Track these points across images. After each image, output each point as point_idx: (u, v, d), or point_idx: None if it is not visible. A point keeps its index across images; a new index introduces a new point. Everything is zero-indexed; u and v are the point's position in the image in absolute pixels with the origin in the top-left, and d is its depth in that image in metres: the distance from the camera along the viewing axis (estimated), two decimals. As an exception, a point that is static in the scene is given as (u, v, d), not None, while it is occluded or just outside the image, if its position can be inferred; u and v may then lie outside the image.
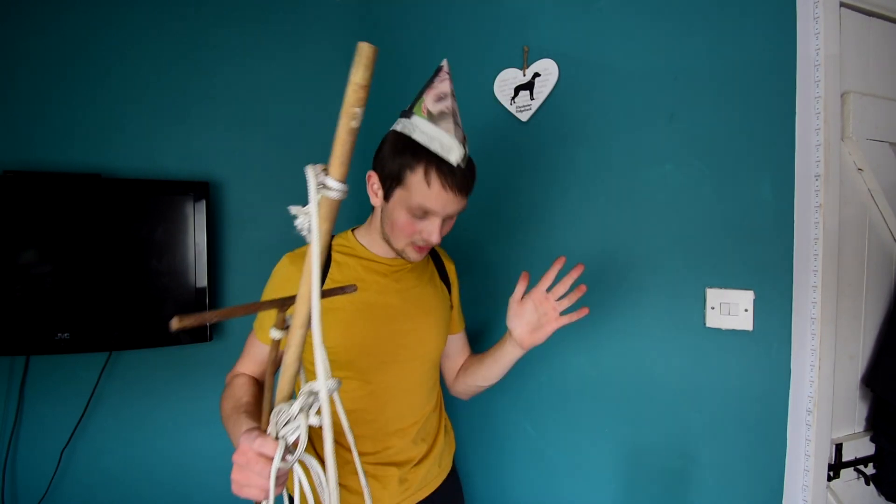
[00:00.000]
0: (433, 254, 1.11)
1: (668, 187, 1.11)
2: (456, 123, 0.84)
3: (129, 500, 1.42)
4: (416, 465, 1.00)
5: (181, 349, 1.44)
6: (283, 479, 0.59)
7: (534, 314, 0.93)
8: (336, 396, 0.58)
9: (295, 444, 0.56)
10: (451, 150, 0.82)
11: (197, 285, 1.38)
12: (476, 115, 1.37)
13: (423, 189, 0.84)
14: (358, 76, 0.46)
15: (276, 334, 0.55)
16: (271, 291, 0.92)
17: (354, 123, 0.48)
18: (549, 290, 0.93)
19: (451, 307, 1.10)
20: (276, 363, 0.59)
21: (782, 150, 0.98)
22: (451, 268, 1.12)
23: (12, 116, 1.31)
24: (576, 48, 1.23)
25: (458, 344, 1.15)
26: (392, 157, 0.86)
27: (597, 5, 1.20)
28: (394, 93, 1.59)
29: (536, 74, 1.28)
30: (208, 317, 0.50)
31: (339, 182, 0.49)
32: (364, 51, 0.45)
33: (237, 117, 1.52)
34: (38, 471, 1.33)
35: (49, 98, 1.34)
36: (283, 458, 0.54)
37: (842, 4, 1.00)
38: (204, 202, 1.39)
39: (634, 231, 1.15)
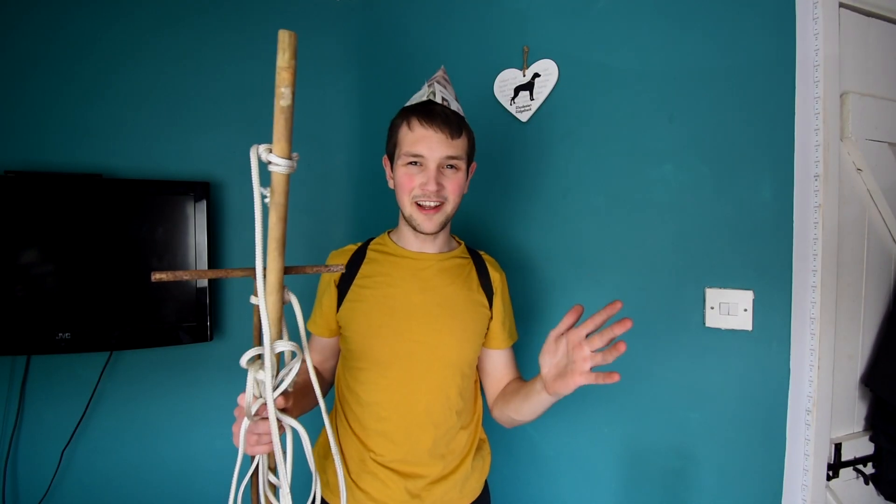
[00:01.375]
0: (477, 261, 1.05)
1: (667, 187, 1.11)
2: (438, 81, 0.96)
3: (129, 501, 1.43)
4: (432, 483, 0.96)
5: (182, 349, 1.44)
6: (265, 437, 0.66)
7: (564, 357, 0.77)
8: (308, 361, 0.67)
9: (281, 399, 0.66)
10: (433, 93, 0.93)
11: (197, 285, 1.39)
12: (476, 115, 1.37)
13: (408, 135, 0.92)
14: (280, 60, 0.52)
15: (253, 300, 0.63)
16: (321, 282, 1.04)
17: (283, 102, 0.54)
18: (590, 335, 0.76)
19: (490, 318, 1.02)
20: (258, 327, 0.66)
21: (781, 150, 0.99)
22: (496, 277, 1.04)
23: (14, 117, 1.31)
24: (576, 48, 1.23)
25: (499, 361, 1.04)
26: (389, 131, 0.97)
27: (597, 6, 1.20)
28: (394, 92, 1.59)
29: (536, 75, 1.28)
30: (181, 274, 0.60)
31: (283, 158, 0.56)
32: (282, 37, 0.52)
33: (237, 117, 1.53)
34: (39, 471, 1.34)
35: (50, 99, 1.34)
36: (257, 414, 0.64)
37: (841, 5, 1.00)
38: (204, 202, 1.39)
39: (634, 231, 1.16)
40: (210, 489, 1.51)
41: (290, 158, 0.56)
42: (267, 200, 0.58)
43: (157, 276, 0.58)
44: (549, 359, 0.79)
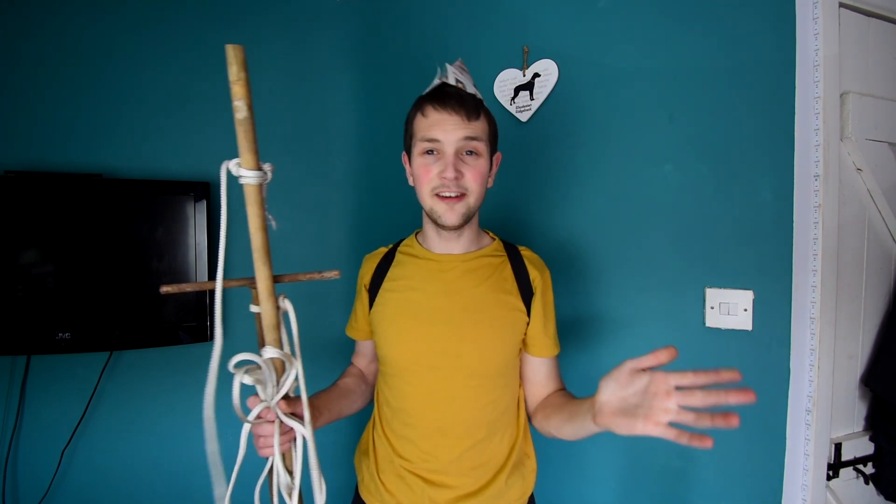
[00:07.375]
0: (514, 258, 0.96)
1: (667, 187, 1.11)
2: (453, 67, 0.93)
3: (129, 500, 1.43)
4: (459, 497, 0.90)
5: (182, 349, 1.44)
6: (269, 439, 0.67)
7: (637, 396, 0.64)
8: (300, 370, 0.67)
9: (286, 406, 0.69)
10: (446, 75, 0.90)
11: (197, 285, 1.39)
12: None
13: (423, 122, 0.88)
14: (230, 74, 0.53)
15: (253, 308, 0.65)
16: (357, 287, 1.03)
17: (239, 115, 0.54)
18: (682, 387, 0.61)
19: (528, 322, 0.93)
20: (261, 333, 0.67)
21: (782, 150, 0.99)
22: (535, 275, 0.94)
23: (13, 117, 1.31)
24: (576, 48, 1.23)
25: (540, 370, 0.95)
26: (405, 125, 0.93)
27: (597, 5, 1.20)
28: (394, 92, 1.59)
29: (536, 75, 1.28)
30: (186, 287, 0.64)
31: (251, 170, 0.56)
32: (229, 51, 0.53)
33: (237, 117, 1.53)
34: (39, 471, 1.34)
35: (50, 98, 1.34)
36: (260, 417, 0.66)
37: (841, 5, 1.00)
38: (204, 202, 1.39)
39: (634, 231, 1.16)
40: (209, 489, 1.51)
41: (259, 169, 0.57)
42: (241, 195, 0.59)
43: (164, 290, 0.62)
44: (616, 389, 0.66)
